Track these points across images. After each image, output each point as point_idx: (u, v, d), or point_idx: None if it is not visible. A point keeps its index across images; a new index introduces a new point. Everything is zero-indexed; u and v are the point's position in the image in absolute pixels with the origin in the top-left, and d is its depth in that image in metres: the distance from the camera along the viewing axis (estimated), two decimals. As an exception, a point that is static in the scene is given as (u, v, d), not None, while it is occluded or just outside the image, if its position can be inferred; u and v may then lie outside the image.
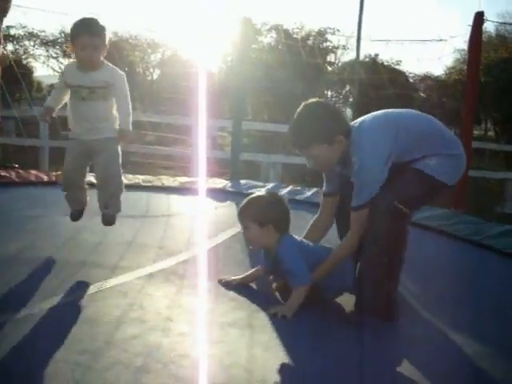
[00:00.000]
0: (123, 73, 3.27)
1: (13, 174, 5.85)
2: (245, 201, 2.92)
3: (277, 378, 2.08)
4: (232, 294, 2.90)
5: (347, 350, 2.36)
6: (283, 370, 2.15)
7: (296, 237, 2.90)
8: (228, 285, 2.95)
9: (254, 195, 2.98)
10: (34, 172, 6.15)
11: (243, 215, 2.88)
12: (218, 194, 5.71)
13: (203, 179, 6.18)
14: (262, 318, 2.62)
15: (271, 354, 2.26)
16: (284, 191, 5.87)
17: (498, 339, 2.59)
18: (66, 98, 3.29)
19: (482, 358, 2.36)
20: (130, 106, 3.28)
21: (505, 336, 2.65)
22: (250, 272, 3.03)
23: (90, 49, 3.13)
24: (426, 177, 2.73)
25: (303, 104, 2.85)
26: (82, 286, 2.79)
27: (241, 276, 3.00)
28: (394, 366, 2.26)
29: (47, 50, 30.95)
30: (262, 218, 2.81)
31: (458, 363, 2.34)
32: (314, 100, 2.89)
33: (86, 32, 3.13)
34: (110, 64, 3.27)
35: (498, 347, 2.50)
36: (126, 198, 3.44)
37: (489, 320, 2.83)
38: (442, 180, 2.76)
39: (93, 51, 3.14)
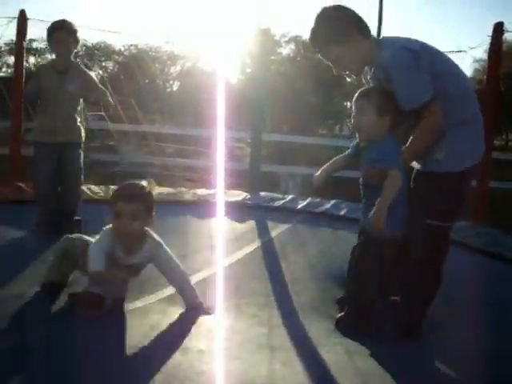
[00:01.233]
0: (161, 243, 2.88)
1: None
2: (366, 87, 2.79)
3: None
4: (252, 311, 2.90)
5: (367, 366, 2.34)
6: None
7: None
8: None
9: (373, 86, 2.78)
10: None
11: (363, 99, 2.72)
12: (238, 208, 5.67)
13: (222, 192, 6.16)
14: (281, 335, 2.61)
15: (289, 370, 2.24)
16: (302, 204, 5.85)
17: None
18: None
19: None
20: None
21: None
22: None
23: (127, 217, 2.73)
24: (448, 177, 2.64)
25: (321, 7, 2.81)
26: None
27: None
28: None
29: (68, 63, 31.36)
30: (383, 108, 2.67)
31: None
32: (332, 4, 2.82)
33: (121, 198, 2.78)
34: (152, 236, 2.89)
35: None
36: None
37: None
38: (464, 167, 2.69)
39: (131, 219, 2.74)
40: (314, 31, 2.80)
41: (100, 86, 4.54)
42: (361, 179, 2.81)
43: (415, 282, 2.70)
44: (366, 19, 2.80)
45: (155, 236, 2.86)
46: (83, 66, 4.61)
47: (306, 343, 2.53)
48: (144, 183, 2.85)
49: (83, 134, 4.54)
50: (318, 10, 2.79)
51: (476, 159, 2.78)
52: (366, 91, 2.77)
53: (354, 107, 2.81)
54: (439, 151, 2.64)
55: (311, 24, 2.80)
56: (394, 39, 2.78)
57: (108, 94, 4.55)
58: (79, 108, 4.49)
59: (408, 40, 2.72)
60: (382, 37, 2.92)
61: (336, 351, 2.47)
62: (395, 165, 2.59)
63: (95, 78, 4.60)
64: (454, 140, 2.66)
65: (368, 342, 2.55)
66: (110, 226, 2.78)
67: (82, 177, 4.53)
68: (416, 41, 2.73)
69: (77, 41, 4.44)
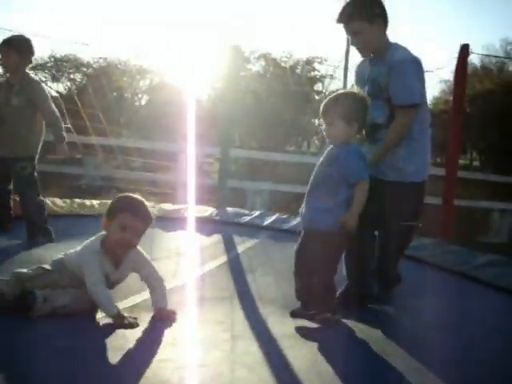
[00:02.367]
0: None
1: None
2: (330, 97, 2.97)
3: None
4: (216, 317, 2.93)
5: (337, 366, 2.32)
6: None
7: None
8: None
9: (340, 92, 3.04)
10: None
11: (330, 111, 2.90)
12: (205, 224, 5.64)
13: (191, 207, 6.13)
14: (246, 339, 2.63)
15: (256, 376, 2.23)
16: (269, 220, 5.84)
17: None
18: None
19: None
20: None
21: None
22: None
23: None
24: (413, 186, 3.26)
25: None
26: (63, 321, 2.70)
27: None
28: None
29: (36, 74, 31.01)
30: (350, 116, 2.86)
31: None
32: None
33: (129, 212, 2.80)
34: None
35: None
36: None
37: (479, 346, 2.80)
38: (420, 180, 3.32)
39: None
40: (349, 3, 3.26)
41: (51, 108, 4.46)
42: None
43: (389, 258, 3.42)
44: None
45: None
46: (37, 82, 4.62)
47: (271, 349, 2.54)
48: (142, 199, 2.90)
49: (37, 146, 4.54)
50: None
51: (425, 174, 3.39)
52: (334, 99, 2.95)
53: (322, 117, 2.99)
54: (408, 163, 3.22)
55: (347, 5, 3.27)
56: (405, 47, 3.27)
57: (61, 124, 4.49)
58: (34, 120, 4.46)
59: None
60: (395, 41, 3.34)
61: (301, 353, 2.50)
62: (366, 175, 2.91)
63: (47, 94, 4.50)
64: (421, 153, 3.29)
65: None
66: (97, 240, 2.81)
67: (35, 188, 4.54)
68: None
69: (26, 56, 4.47)
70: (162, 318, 2.79)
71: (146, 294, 3.11)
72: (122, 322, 2.65)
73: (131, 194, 2.91)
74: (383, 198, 3.15)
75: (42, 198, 4.62)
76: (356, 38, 3.28)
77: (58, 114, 4.48)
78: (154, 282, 2.92)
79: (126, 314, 2.71)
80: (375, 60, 3.30)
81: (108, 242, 2.81)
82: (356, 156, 2.92)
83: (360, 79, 3.44)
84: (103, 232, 2.86)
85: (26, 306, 2.66)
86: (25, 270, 2.89)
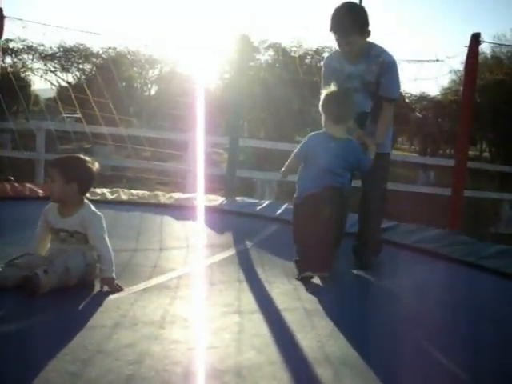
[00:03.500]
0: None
1: (7, 187, 5.82)
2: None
3: (270, 383, 2.07)
4: (225, 300, 2.99)
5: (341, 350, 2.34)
6: (277, 374, 2.14)
7: None
8: None
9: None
10: (29, 185, 6.11)
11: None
12: (214, 213, 5.65)
13: (200, 197, 6.14)
14: (255, 321, 2.68)
15: (264, 358, 2.27)
16: (279, 210, 5.84)
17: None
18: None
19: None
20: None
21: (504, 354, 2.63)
22: None
23: None
24: (388, 156, 4.18)
25: (343, 3, 3.84)
26: (73, 301, 2.77)
27: None
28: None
29: (45, 64, 31.13)
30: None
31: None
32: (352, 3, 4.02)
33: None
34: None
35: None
36: (121, 215, 3.43)
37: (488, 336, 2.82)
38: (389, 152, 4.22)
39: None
40: (344, 19, 3.76)
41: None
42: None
43: (377, 219, 4.16)
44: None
45: (93, 208, 3.11)
46: None
47: (279, 331, 2.60)
48: (82, 156, 3.15)
49: None
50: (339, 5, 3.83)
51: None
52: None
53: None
54: (388, 139, 4.08)
55: (338, 13, 3.78)
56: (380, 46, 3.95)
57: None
58: None
59: None
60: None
61: (310, 335, 2.53)
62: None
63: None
64: (389, 134, 4.13)
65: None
66: None
67: None
68: None
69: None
70: (109, 289, 2.94)
71: (166, 276, 3.27)
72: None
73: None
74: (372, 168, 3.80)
75: None
76: (348, 46, 3.85)
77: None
78: (98, 243, 3.01)
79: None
80: (359, 59, 3.91)
81: None
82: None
83: (332, 72, 4.03)
84: None
85: (31, 284, 2.72)
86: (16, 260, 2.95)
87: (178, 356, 2.23)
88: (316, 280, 3.49)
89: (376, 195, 4.06)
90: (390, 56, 3.89)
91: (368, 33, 3.85)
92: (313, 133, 3.76)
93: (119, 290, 2.94)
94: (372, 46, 3.92)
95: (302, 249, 3.60)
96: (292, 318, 2.78)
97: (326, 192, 3.54)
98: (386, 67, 3.84)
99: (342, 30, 3.80)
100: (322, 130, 3.72)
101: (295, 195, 3.72)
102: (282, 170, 3.84)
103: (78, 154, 3.20)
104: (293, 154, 3.75)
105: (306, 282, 3.40)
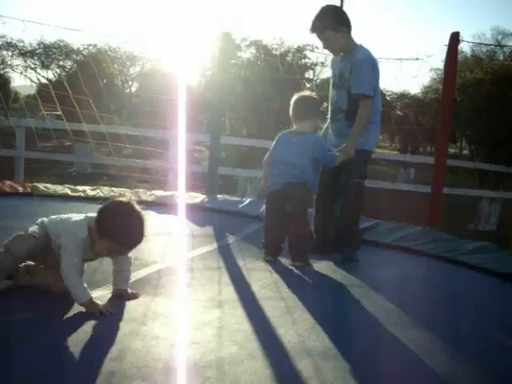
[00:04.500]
0: None
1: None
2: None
3: (251, 378, 2.09)
4: (206, 296, 3.02)
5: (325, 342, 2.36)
6: (258, 369, 2.16)
7: None
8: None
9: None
10: (8, 182, 6.06)
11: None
12: (195, 210, 5.67)
13: (182, 194, 6.14)
14: (236, 315, 2.72)
15: (246, 352, 2.29)
16: (261, 208, 5.83)
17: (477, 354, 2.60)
18: None
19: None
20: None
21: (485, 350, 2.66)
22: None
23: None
24: (367, 153, 4.24)
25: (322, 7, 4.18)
26: (55, 298, 2.76)
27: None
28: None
29: (25, 61, 30.79)
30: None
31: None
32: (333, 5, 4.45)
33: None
34: None
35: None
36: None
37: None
38: (372, 150, 4.31)
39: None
40: (318, 17, 4.14)
41: None
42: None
43: (350, 212, 4.21)
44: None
45: None
46: None
47: (260, 326, 2.63)
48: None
49: None
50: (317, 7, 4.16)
51: (375, 146, 4.43)
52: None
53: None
54: (365, 137, 4.12)
55: (315, 12, 4.15)
56: (367, 49, 4.18)
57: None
58: None
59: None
60: (360, 43, 4.22)
61: (291, 329, 2.48)
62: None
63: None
64: (371, 130, 4.19)
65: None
66: (84, 225, 2.78)
67: None
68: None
69: None
70: (124, 298, 2.84)
71: (147, 270, 3.32)
72: (94, 309, 2.61)
73: (127, 210, 2.81)
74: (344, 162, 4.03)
75: None
76: (326, 42, 4.21)
77: None
78: (122, 260, 2.90)
79: (99, 302, 2.68)
80: (344, 57, 4.21)
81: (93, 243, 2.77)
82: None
83: (331, 68, 4.42)
84: (92, 214, 2.83)
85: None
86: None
87: (160, 352, 2.24)
88: (297, 273, 3.57)
89: (349, 188, 4.17)
90: (361, 55, 4.11)
91: (344, 30, 4.14)
92: (281, 132, 4.24)
93: (136, 297, 2.89)
94: (358, 47, 4.18)
95: (265, 239, 4.02)
96: (273, 313, 2.81)
97: (285, 189, 3.90)
98: (354, 65, 4.08)
99: (314, 26, 4.17)
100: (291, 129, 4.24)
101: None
102: (259, 189, 4.40)
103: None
104: (263, 162, 4.20)
105: (271, 264, 3.83)
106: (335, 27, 4.13)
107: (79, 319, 2.54)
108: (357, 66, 4.08)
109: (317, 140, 4.04)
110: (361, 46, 4.19)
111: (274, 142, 4.15)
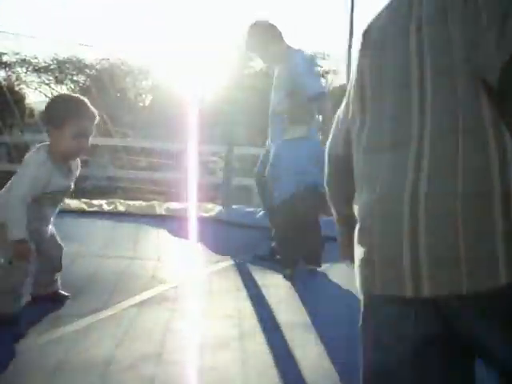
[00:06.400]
0: None
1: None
2: None
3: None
4: (224, 311, 2.97)
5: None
6: None
7: None
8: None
9: None
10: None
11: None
12: (210, 223, 5.59)
13: (196, 206, 6.07)
14: (256, 337, 2.65)
15: (265, 379, 2.22)
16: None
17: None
18: None
19: None
20: None
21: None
22: None
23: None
24: None
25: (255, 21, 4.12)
26: (75, 318, 2.70)
27: None
28: None
29: (39, 77, 31.05)
30: None
31: None
32: (260, 21, 4.16)
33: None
34: None
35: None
36: (118, 226, 3.38)
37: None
38: None
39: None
40: (250, 36, 4.11)
41: None
42: None
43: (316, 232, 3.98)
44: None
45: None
46: None
47: (280, 349, 2.53)
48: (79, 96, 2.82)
49: None
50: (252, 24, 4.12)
51: None
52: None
53: None
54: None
55: (247, 32, 4.13)
56: (297, 49, 4.07)
57: None
58: None
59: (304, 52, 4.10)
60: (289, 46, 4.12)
61: (310, 352, 2.41)
62: None
63: None
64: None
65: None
66: (40, 151, 2.63)
67: None
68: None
69: None
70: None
71: (153, 292, 3.19)
72: (24, 250, 2.49)
73: (67, 94, 2.85)
74: None
75: None
76: (261, 59, 4.32)
77: None
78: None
79: (32, 246, 2.57)
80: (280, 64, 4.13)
81: (57, 151, 2.65)
82: None
83: None
84: (44, 143, 2.70)
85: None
86: None
87: (178, 378, 2.19)
88: (316, 287, 3.54)
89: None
90: (301, 55, 4.00)
91: (275, 43, 4.07)
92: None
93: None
94: (289, 51, 4.08)
95: (280, 254, 3.99)
96: (292, 332, 2.73)
97: (292, 199, 3.81)
98: (296, 67, 3.96)
99: (247, 46, 4.26)
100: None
101: None
102: None
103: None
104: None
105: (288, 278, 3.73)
106: (266, 45, 4.09)
107: (102, 336, 2.47)
108: (301, 68, 3.93)
109: (314, 144, 3.89)
110: (293, 49, 4.09)
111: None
